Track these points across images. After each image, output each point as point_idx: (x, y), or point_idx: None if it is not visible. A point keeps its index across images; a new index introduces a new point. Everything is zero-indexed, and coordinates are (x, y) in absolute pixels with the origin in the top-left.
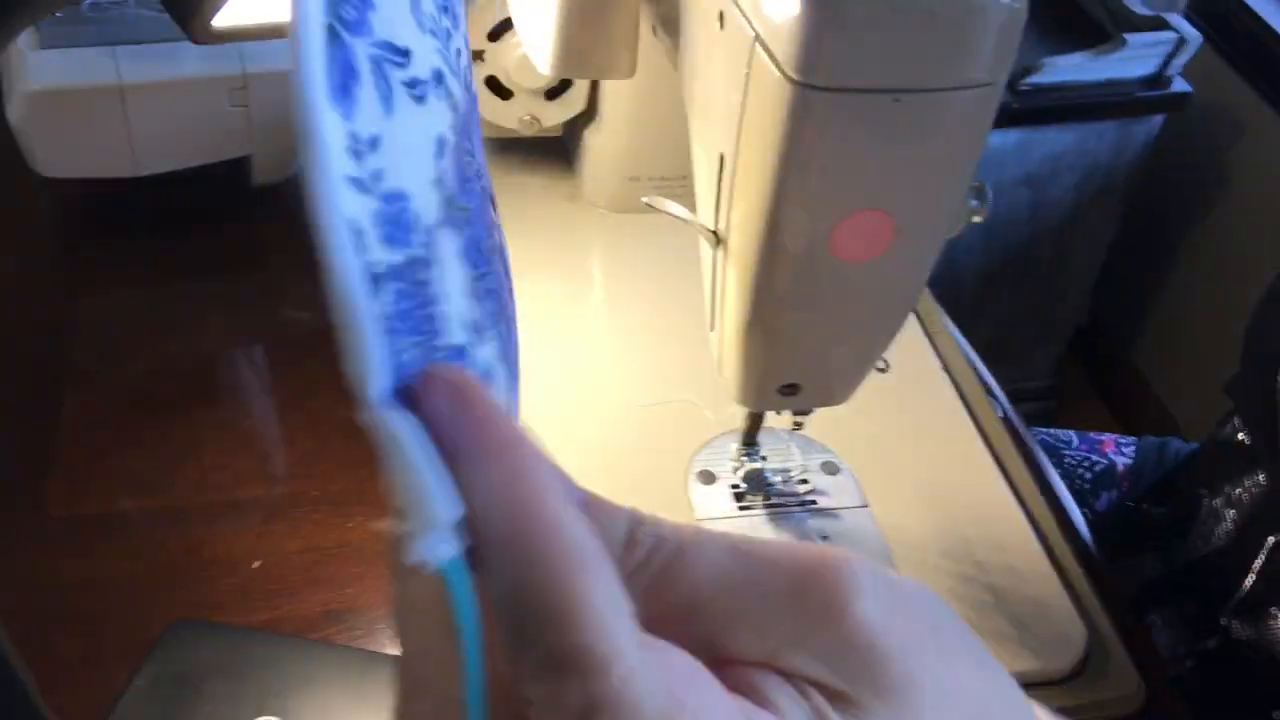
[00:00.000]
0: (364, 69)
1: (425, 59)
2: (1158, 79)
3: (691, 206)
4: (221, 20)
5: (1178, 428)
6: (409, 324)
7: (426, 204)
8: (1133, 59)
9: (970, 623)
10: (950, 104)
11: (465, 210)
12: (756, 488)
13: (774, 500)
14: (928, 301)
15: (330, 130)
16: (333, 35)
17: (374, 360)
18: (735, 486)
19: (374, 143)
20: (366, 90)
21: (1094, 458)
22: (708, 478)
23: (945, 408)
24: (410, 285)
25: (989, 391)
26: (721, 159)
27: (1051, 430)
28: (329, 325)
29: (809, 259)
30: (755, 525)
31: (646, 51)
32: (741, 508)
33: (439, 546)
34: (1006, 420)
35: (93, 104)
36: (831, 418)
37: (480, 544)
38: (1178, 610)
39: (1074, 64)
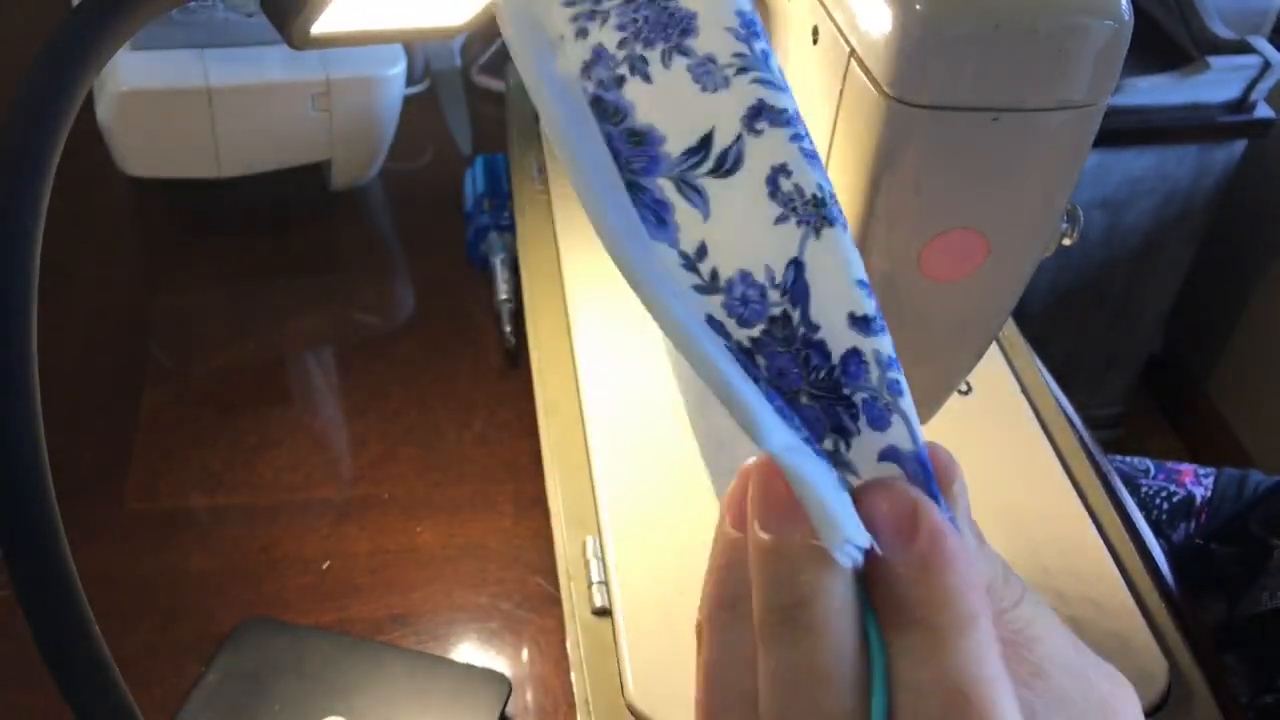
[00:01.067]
0: (671, 194)
1: (730, 118)
2: (1241, 104)
3: None
4: (320, 27)
5: (1251, 462)
6: (789, 378)
7: (775, 247)
8: (1215, 83)
9: None
10: (1049, 124)
11: (828, 199)
12: None
13: None
14: (1008, 324)
15: (662, 285)
16: (633, 187)
17: (765, 425)
18: None
19: (701, 250)
20: (681, 210)
21: (1171, 488)
22: None
23: (1023, 433)
24: (778, 343)
25: (1069, 420)
26: None
27: (1128, 458)
28: (399, 329)
29: (897, 277)
30: None
31: None
32: None
33: (846, 552)
34: (1085, 448)
35: (179, 105)
36: None
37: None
38: (1243, 657)
39: (1154, 86)
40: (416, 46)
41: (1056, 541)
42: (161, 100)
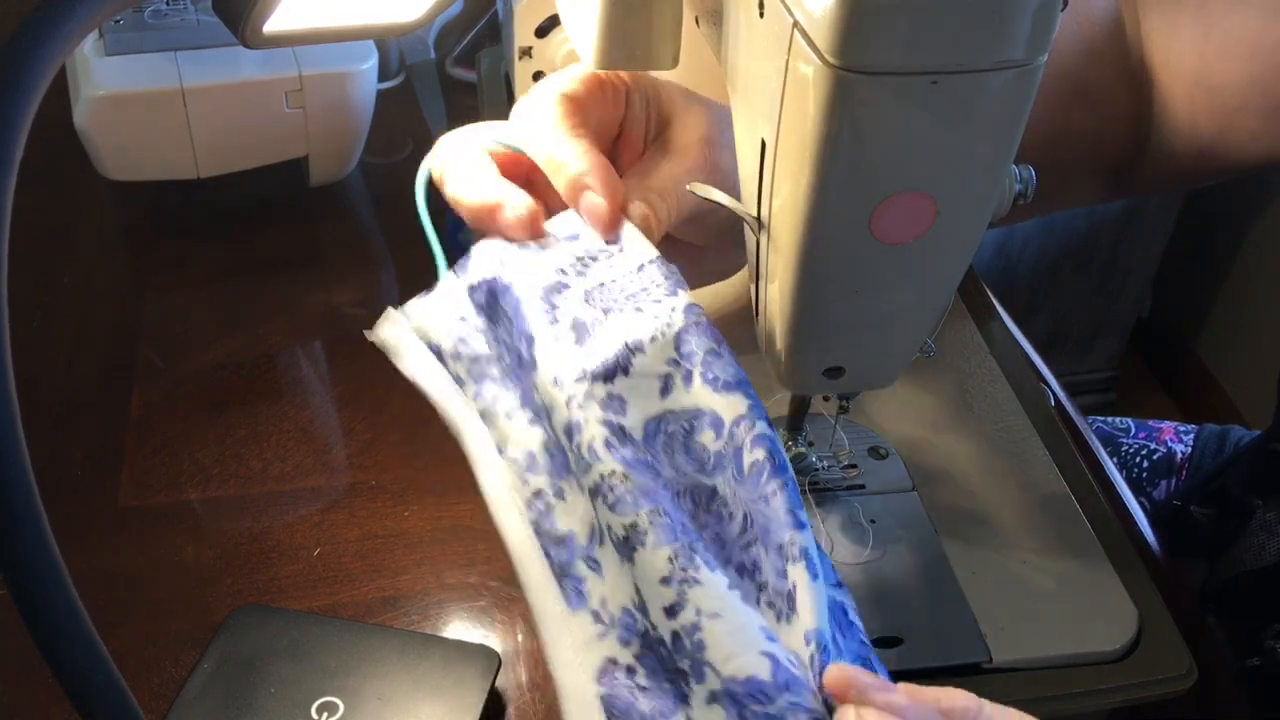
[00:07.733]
0: (583, 571)
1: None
2: None
3: (735, 195)
4: (272, 25)
5: (1242, 419)
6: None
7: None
8: None
9: (1021, 606)
10: (988, 85)
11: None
12: (803, 472)
13: (820, 484)
14: (978, 288)
15: None
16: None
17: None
18: None
19: (602, 601)
20: (590, 580)
21: (1152, 445)
22: None
23: (995, 395)
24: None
25: (1041, 379)
26: (763, 145)
27: (1110, 419)
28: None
29: (850, 242)
30: None
31: (688, 43)
32: None
33: None
34: (1059, 407)
35: (155, 108)
36: (879, 404)
37: None
38: (1225, 619)
39: None
40: (390, 42)
41: (1027, 496)
42: (136, 103)
